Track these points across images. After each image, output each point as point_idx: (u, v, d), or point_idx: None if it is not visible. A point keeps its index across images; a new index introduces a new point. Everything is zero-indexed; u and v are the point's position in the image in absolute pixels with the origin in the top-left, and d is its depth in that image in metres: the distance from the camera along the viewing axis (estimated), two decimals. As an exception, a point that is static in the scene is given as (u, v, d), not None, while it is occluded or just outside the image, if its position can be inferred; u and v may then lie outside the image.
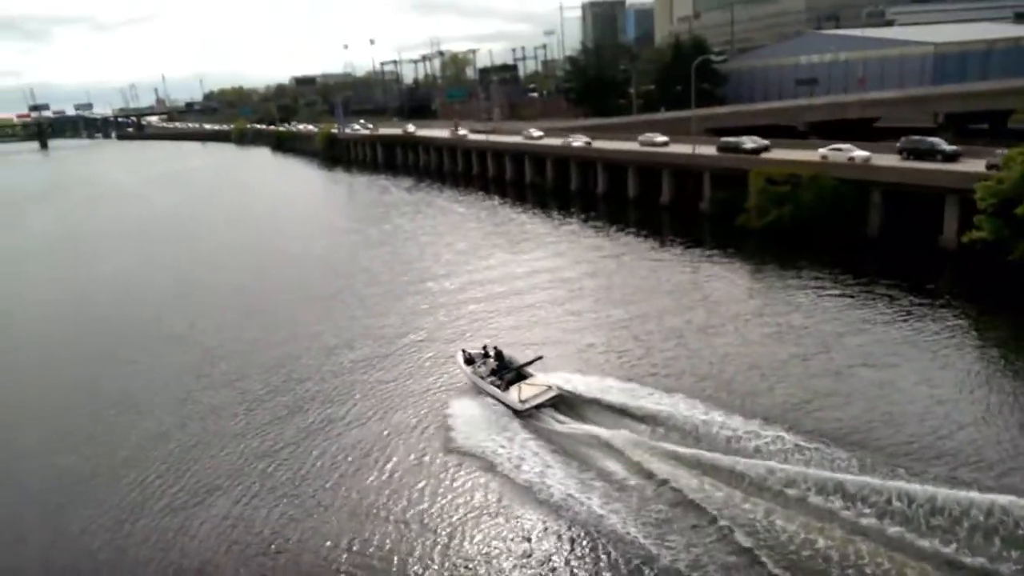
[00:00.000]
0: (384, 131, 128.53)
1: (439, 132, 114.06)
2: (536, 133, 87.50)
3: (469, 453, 22.19)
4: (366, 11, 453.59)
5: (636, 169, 65.37)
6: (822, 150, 52.28)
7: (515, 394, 24.25)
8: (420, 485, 20.99)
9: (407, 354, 31.59)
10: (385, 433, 24.43)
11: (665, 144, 68.35)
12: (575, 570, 16.93)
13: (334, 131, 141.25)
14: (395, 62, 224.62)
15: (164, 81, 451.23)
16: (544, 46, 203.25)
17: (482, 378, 26.14)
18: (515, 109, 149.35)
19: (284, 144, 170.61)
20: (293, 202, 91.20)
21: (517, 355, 27.48)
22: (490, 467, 21.27)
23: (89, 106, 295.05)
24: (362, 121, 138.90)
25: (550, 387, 24.59)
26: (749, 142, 58.40)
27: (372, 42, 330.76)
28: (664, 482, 19.38)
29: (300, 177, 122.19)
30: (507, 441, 22.35)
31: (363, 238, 60.88)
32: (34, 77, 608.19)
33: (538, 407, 23.85)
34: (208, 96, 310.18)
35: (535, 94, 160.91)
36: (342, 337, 34.38)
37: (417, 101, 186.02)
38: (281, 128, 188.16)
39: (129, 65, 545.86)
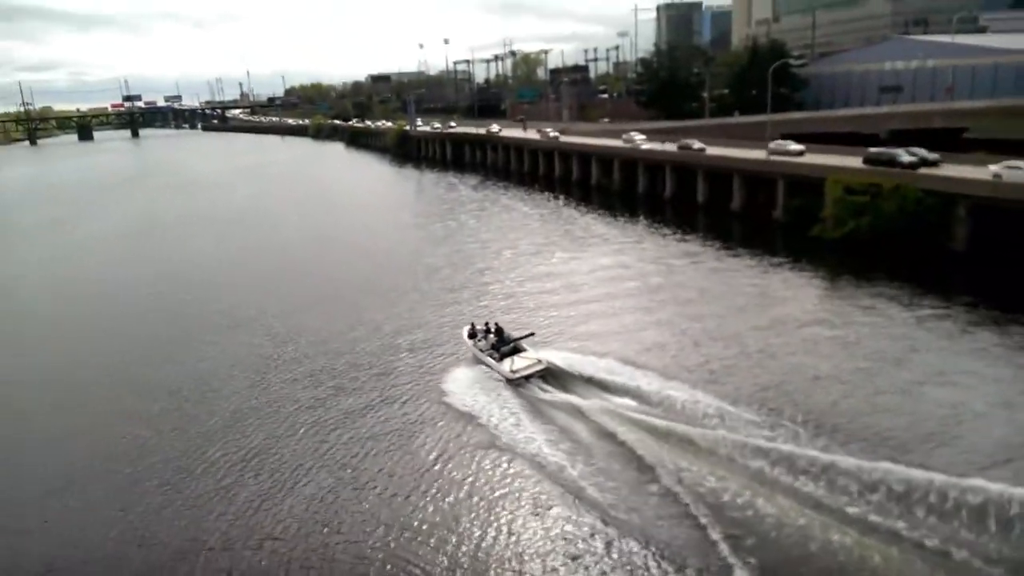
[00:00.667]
0: (462, 130, 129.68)
1: (507, 131, 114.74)
2: (639, 138, 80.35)
3: (460, 412, 25.31)
4: (447, 12, 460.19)
5: (705, 173, 64.21)
6: (994, 167, 43.98)
7: (507, 365, 27.47)
8: (415, 437, 24.24)
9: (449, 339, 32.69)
10: (395, 396, 27.39)
11: (800, 154, 58.70)
12: (519, 508, 19.90)
13: (406, 128, 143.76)
14: (468, 61, 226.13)
15: (249, 76, 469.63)
16: (616, 47, 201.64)
17: (481, 351, 29.27)
18: (584, 110, 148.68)
19: (358, 139, 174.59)
20: (363, 196, 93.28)
21: (515, 332, 30.52)
22: (475, 424, 24.39)
23: (178, 98, 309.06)
24: (452, 124, 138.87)
25: (540, 360, 27.64)
26: (906, 155, 49.88)
27: (447, 42, 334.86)
28: (632, 451, 21.57)
29: (371, 172, 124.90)
30: (495, 405, 25.48)
31: (427, 233, 61.75)
32: (130, 69, 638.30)
33: (527, 377, 26.94)
34: (289, 92, 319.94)
35: (605, 95, 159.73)
36: (394, 326, 35.49)
37: (487, 100, 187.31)
38: (355, 124, 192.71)
39: (217, 59, 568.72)
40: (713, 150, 67.47)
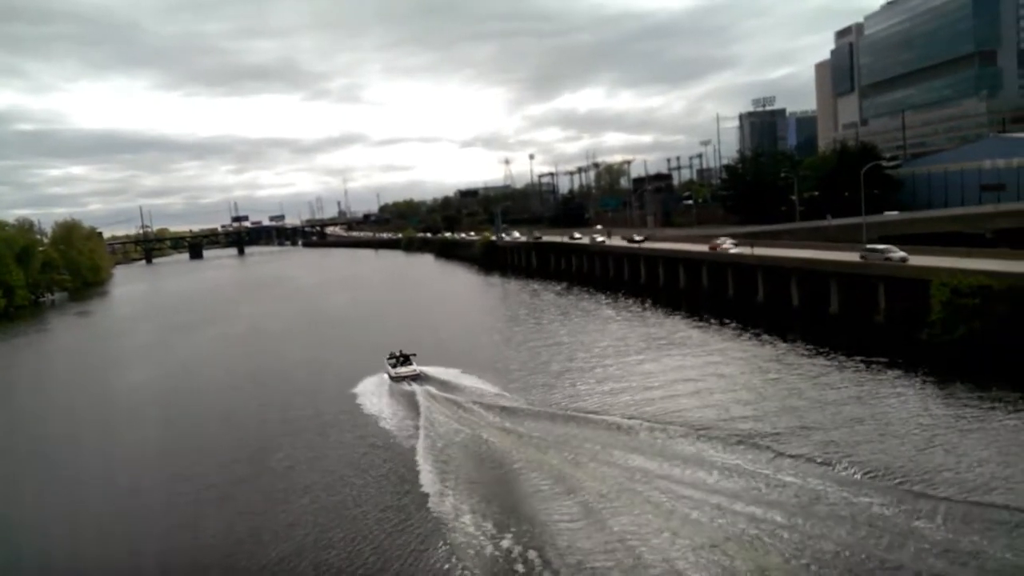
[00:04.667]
0: (546, 239, 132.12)
1: (555, 238, 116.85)
2: (728, 243, 77.08)
3: (359, 394, 44.93)
4: (532, 132, 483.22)
5: (799, 277, 62.02)
6: None
7: (394, 371, 47.05)
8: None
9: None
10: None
11: (904, 260, 53.04)
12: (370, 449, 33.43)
13: (492, 238, 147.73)
14: (552, 174, 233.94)
15: (346, 195, 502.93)
16: (699, 155, 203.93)
17: (389, 364, 48.36)
18: (669, 217, 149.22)
19: (447, 251, 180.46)
20: (449, 302, 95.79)
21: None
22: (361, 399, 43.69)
23: (282, 217, 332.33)
24: (537, 234, 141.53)
25: (415, 369, 46.98)
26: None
27: (531, 157, 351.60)
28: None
29: (458, 280, 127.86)
30: (382, 389, 45.77)
31: (504, 337, 62.70)
32: (239, 192, 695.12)
33: (403, 377, 46.22)
34: (383, 208, 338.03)
35: (690, 201, 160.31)
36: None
37: (571, 210, 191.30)
38: (444, 236, 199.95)
39: (318, 179, 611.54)
40: (805, 253, 65.49)
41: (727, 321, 59.89)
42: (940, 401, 35.36)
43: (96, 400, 55.23)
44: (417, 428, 36.21)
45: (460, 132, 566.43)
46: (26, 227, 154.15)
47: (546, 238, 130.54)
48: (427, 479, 29.55)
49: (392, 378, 46.33)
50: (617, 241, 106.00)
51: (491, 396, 41.19)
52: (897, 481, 25.85)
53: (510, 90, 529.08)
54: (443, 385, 43.99)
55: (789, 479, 26.75)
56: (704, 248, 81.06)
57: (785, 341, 50.98)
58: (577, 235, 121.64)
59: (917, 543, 21.50)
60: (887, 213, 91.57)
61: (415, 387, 43.69)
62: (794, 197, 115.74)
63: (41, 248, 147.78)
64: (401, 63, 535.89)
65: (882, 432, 31.18)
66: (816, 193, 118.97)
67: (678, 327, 60.29)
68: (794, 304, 62.08)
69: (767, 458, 28.91)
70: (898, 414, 33.53)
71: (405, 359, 48.16)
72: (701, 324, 60.55)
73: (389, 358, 48.63)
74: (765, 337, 52.76)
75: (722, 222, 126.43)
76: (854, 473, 26.85)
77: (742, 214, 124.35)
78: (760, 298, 66.58)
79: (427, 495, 28.04)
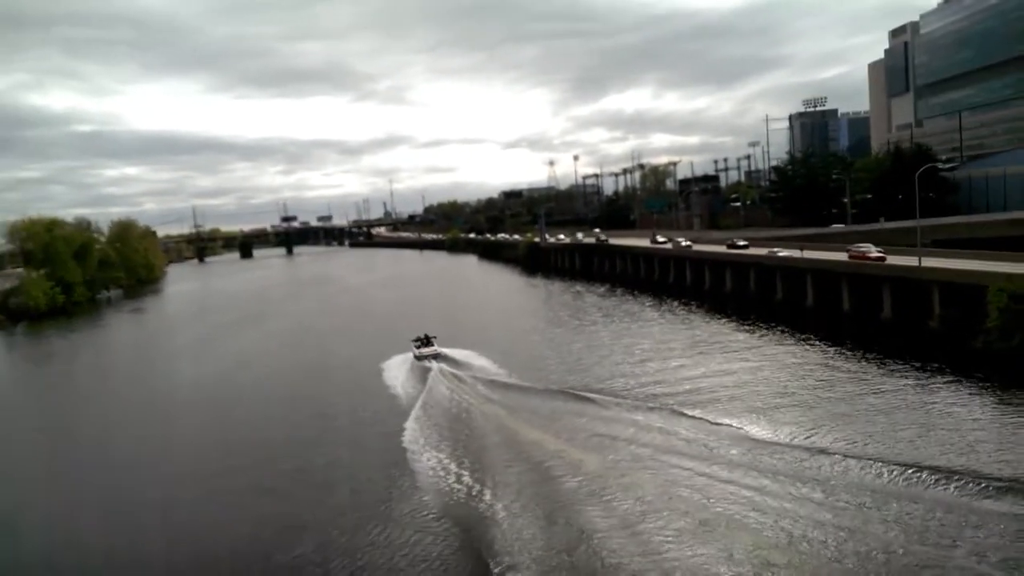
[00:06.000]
0: (590, 240, 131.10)
1: (636, 241, 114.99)
2: (875, 252, 65.85)
3: (385, 368, 52.87)
4: (576, 133, 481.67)
5: (850, 281, 60.70)
6: None
7: (418, 352, 53.89)
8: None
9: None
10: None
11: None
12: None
13: (536, 240, 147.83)
14: (596, 175, 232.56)
15: (392, 196, 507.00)
16: (748, 157, 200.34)
17: (413, 345, 55.23)
18: (716, 219, 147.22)
19: (490, 252, 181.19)
20: (490, 302, 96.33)
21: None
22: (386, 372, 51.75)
23: (329, 217, 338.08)
24: (579, 235, 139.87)
25: (436, 349, 53.68)
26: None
27: (576, 158, 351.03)
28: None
29: (500, 281, 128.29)
30: (403, 365, 52.86)
31: (546, 338, 62.98)
32: (289, 192, 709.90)
33: (424, 356, 52.78)
34: (427, 209, 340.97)
35: (737, 204, 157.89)
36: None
37: (616, 212, 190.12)
38: (488, 237, 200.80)
39: (364, 180, 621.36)
40: (825, 254, 66.62)
41: (775, 325, 58.92)
42: (997, 408, 34.23)
43: (153, 390, 57.33)
44: (420, 394, 44.24)
45: (504, 133, 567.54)
46: (83, 226, 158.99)
47: (614, 240, 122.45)
48: (410, 427, 37.74)
49: (416, 357, 53.32)
50: (708, 248, 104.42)
51: (495, 375, 47.71)
52: (955, 486, 25.16)
53: (555, 91, 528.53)
54: (455, 364, 51.36)
55: (850, 480, 26.57)
56: (752, 251, 79.80)
57: (837, 346, 49.97)
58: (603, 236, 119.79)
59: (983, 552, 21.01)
60: (946, 219, 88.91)
61: (432, 364, 51.13)
62: (846, 199, 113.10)
63: (98, 246, 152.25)
64: (445, 64, 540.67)
65: (940, 440, 30.34)
66: (869, 196, 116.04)
67: (724, 330, 59.58)
68: (844, 309, 60.79)
69: (829, 462, 28.50)
70: (952, 421, 32.58)
71: (427, 341, 54.92)
72: (748, 327, 59.67)
73: (414, 340, 55.79)
74: (816, 342, 51.79)
75: (770, 224, 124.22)
76: (917, 479, 26.26)
77: (791, 216, 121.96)
78: (809, 302, 65.34)
79: (405, 432, 36.89)
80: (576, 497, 27.49)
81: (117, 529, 30.06)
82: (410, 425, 38.03)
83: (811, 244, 75.65)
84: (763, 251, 77.35)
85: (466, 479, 30.13)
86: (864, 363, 44.75)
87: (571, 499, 27.33)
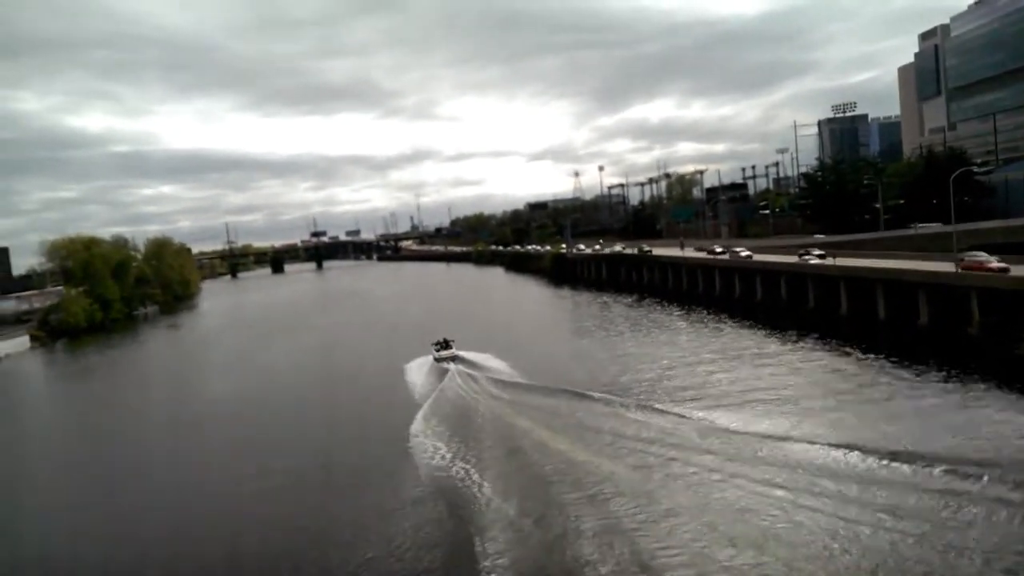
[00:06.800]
0: (615, 250, 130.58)
1: (665, 251, 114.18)
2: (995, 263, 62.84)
3: (407, 369, 56.91)
4: (601, 144, 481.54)
5: (885, 287, 59.72)
6: None
7: (436, 354, 57.37)
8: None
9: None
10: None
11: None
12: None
13: (562, 251, 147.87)
14: (622, 185, 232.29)
15: (419, 209, 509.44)
16: (776, 164, 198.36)
17: (433, 348, 58.61)
18: (744, 227, 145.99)
19: (516, 263, 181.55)
20: (516, 314, 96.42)
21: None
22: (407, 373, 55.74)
23: (357, 232, 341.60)
24: (598, 245, 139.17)
25: (454, 352, 56.80)
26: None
27: (601, 168, 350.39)
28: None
29: (527, 292, 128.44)
30: (423, 367, 56.19)
31: (573, 348, 63.15)
32: (318, 208, 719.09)
33: (443, 359, 56.11)
34: (454, 222, 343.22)
35: (766, 211, 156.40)
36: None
37: (642, 221, 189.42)
38: (514, 249, 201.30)
39: (391, 195, 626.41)
40: (889, 263, 62.97)
41: (810, 334, 58.04)
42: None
43: (194, 400, 59.11)
44: (432, 391, 48.35)
45: (529, 145, 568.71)
46: (121, 244, 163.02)
47: (657, 251, 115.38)
48: (417, 420, 41.51)
49: (435, 359, 57.01)
50: (689, 253, 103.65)
51: (509, 375, 50.33)
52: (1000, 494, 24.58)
53: (579, 102, 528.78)
54: (472, 365, 54.49)
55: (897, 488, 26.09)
56: (783, 258, 78.65)
57: (876, 353, 48.95)
58: (644, 247, 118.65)
59: None
60: (984, 223, 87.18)
61: (450, 366, 54.56)
62: (878, 205, 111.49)
63: (135, 264, 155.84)
64: (470, 78, 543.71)
65: (982, 449, 29.66)
66: (901, 201, 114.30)
67: (755, 339, 58.82)
68: (880, 316, 59.80)
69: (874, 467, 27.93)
70: (998, 428, 31.83)
71: (446, 344, 58.43)
72: (780, 336, 58.87)
73: (434, 343, 59.18)
74: (844, 351, 50.94)
75: (800, 232, 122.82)
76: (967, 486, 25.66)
77: (822, 223, 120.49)
78: (844, 311, 64.41)
79: (411, 428, 40.24)
80: (586, 496, 28.27)
81: (166, 527, 31.46)
82: (420, 415, 42.39)
83: (842, 252, 74.52)
84: (851, 262, 68.44)
85: (463, 466, 33.29)
86: (903, 369, 43.80)
87: (576, 495, 28.36)
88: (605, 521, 25.76)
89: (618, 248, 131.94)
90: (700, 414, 36.94)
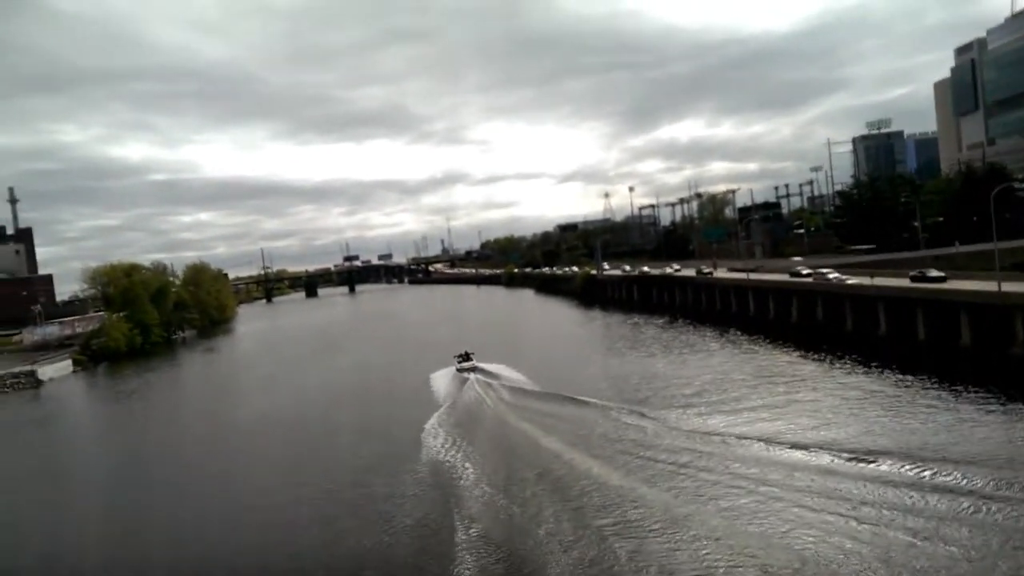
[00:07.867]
0: (646, 271, 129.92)
1: (727, 273, 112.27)
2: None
3: (432, 378, 63.15)
4: (632, 165, 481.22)
5: (924, 308, 58.23)
6: None
7: (458, 366, 63.53)
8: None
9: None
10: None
11: None
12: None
13: (593, 272, 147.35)
14: (653, 205, 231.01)
15: (449, 232, 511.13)
16: (810, 182, 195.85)
17: (456, 360, 64.78)
18: (778, 246, 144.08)
19: (547, 285, 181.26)
20: (547, 336, 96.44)
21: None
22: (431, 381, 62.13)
23: (389, 256, 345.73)
24: (627, 267, 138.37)
25: (474, 364, 63.06)
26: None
27: (631, 189, 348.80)
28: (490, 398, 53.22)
29: (558, 314, 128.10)
30: (446, 376, 62.50)
31: (602, 370, 62.94)
32: (351, 232, 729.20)
33: (464, 370, 62.21)
34: (484, 245, 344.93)
35: (800, 230, 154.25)
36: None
37: (674, 242, 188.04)
38: (545, 271, 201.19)
39: (422, 218, 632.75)
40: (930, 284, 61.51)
41: (847, 356, 56.81)
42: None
43: (231, 416, 62.57)
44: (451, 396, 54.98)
45: (559, 167, 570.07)
46: (160, 270, 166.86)
47: (682, 271, 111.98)
48: (432, 421, 47.58)
49: (457, 369, 62.96)
50: (722, 274, 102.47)
51: (518, 382, 57.14)
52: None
53: (608, 123, 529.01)
54: (489, 374, 60.74)
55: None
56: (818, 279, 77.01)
57: (917, 375, 47.73)
58: (676, 266, 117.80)
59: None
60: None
61: (470, 376, 60.69)
62: (916, 223, 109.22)
63: (173, 289, 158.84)
64: (499, 102, 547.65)
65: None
66: (940, 219, 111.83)
67: (790, 360, 57.94)
68: (920, 337, 58.27)
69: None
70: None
71: (467, 357, 64.66)
72: (817, 358, 57.77)
73: (456, 356, 65.60)
74: (882, 373, 49.78)
75: (836, 251, 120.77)
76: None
77: (858, 242, 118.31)
78: (882, 331, 62.95)
79: (425, 426, 46.25)
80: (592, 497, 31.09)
81: (215, 530, 34.64)
82: (434, 418, 48.23)
83: (881, 271, 72.87)
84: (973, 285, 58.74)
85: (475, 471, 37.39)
86: (941, 391, 42.65)
87: (582, 494, 31.49)
88: (605, 521, 26.57)
89: (645, 269, 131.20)
90: (736, 433, 37.26)
